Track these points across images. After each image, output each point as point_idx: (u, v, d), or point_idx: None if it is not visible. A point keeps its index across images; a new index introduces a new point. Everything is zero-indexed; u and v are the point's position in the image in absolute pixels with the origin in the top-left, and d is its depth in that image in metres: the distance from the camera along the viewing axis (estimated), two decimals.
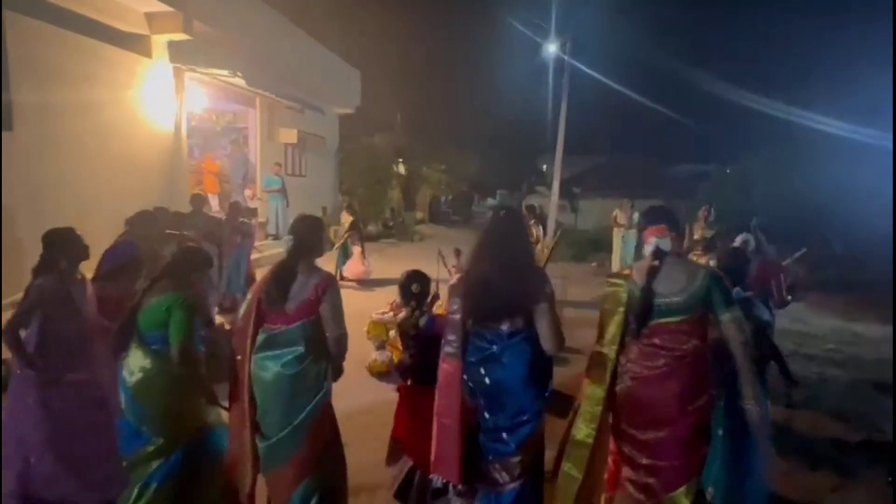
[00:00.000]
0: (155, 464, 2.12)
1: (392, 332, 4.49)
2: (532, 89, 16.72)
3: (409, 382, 2.59)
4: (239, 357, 2.24)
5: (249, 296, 2.33)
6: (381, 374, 4.24)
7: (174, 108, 7.95)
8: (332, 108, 14.16)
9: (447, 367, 2.12)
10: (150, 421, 2.14)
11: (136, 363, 2.15)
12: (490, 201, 34.23)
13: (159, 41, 7.55)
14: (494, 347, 2.08)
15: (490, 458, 2.10)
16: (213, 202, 10.12)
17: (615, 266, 8.92)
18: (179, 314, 2.14)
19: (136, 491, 2.13)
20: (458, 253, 7.44)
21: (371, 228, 14.99)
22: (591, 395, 2.16)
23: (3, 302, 5.49)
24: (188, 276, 2.33)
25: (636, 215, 8.41)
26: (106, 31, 6.69)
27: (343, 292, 2.35)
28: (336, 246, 8.22)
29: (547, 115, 16.21)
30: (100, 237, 6.36)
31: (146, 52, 7.39)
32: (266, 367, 2.16)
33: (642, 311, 2.08)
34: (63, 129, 6.15)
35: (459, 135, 23.42)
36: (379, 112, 17.91)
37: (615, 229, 8.96)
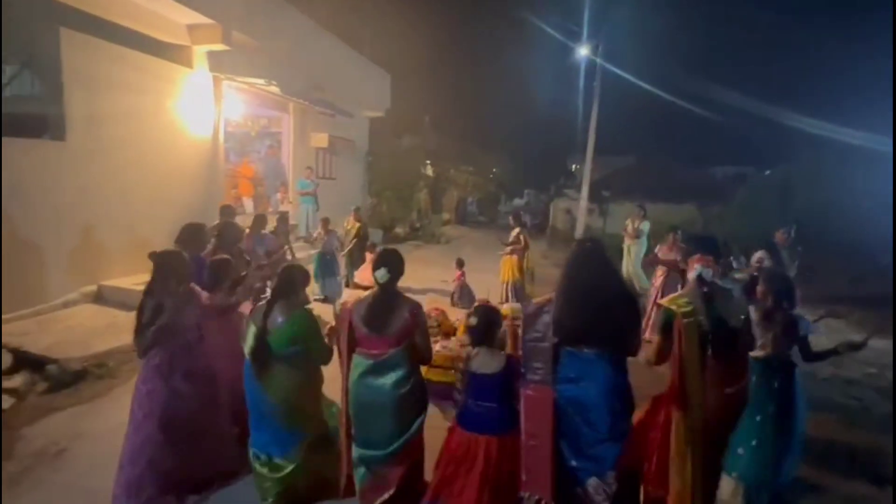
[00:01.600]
0: (302, 454, 2.48)
1: None
2: (562, 90, 16.57)
3: (451, 423, 2.49)
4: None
5: (337, 323, 2.58)
6: None
7: (213, 115, 8.24)
8: (362, 112, 14.36)
9: (533, 393, 2.26)
10: (294, 420, 2.44)
11: (276, 378, 2.41)
12: (517, 201, 34.01)
13: (200, 52, 7.84)
14: (584, 368, 2.23)
15: (585, 478, 2.23)
16: (248, 205, 10.46)
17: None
18: (312, 331, 2.45)
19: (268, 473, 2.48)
20: (460, 263, 7.47)
21: (398, 230, 15.17)
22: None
23: (65, 299, 5.88)
24: (297, 293, 2.54)
25: (646, 224, 8.15)
26: (150, 43, 7.01)
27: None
28: (343, 252, 7.98)
29: (577, 117, 16.02)
30: (146, 239, 6.74)
31: (187, 63, 7.69)
32: (376, 389, 2.42)
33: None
34: (111, 137, 6.49)
35: (488, 136, 23.40)
36: (408, 114, 18.08)
37: (626, 238, 8.34)
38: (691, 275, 2.66)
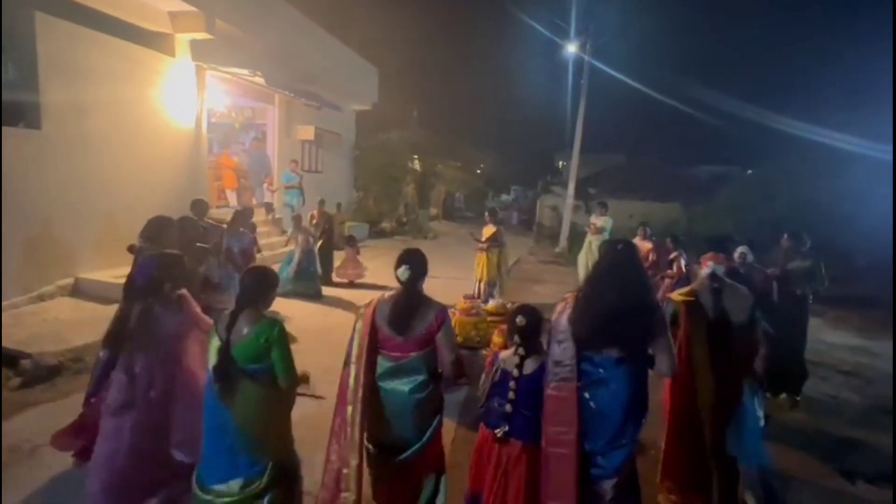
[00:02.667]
0: (266, 483, 2.13)
1: None
2: (550, 87, 16.62)
3: (500, 431, 2.24)
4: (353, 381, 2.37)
5: (360, 324, 2.41)
6: None
7: (196, 105, 8.07)
8: (349, 105, 14.22)
9: (557, 392, 2.16)
10: (259, 446, 2.12)
11: (240, 397, 2.08)
12: (504, 197, 34.07)
13: (182, 40, 7.67)
14: (602, 372, 2.16)
15: (595, 481, 2.17)
16: (232, 197, 10.30)
17: (580, 273, 8.53)
18: (280, 344, 2.11)
19: None
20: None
21: (385, 225, 15.09)
22: None
23: (41, 292, 5.71)
24: (266, 299, 2.25)
25: (608, 221, 8.37)
26: (131, 30, 6.82)
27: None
28: (316, 248, 7.53)
29: (565, 114, 16.06)
30: (124, 230, 6.58)
31: (170, 51, 7.51)
32: (395, 392, 2.34)
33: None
34: (90, 126, 6.32)
35: (475, 132, 23.40)
36: (395, 109, 17.96)
37: (589, 234, 8.50)
38: (704, 271, 2.88)
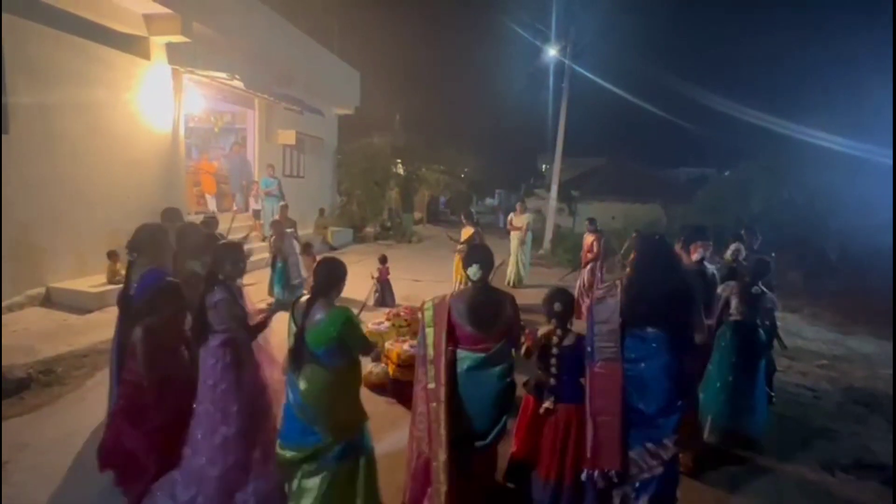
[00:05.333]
0: (322, 458, 2.33)
1: (387, 344, 4.48)
2: (532, 91, 16.69)
3: (547, 402, 2.62)
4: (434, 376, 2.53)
5: (431, 328, 2.57)
6: (375, 386, 4.24)
7: (172, 109, 7.91)
8: (331, 109, 14.12)
9: (603, 370, 2.50)
10: (320, 422, 2.31)
11: (306, 374, 2.31)
12: (489, 201, 34.19)
13: (158, 43, 7.51)
14: (654, 345, 2.51)
15: (644, 445, 2.49)
16: (212, 203, 10.11)
17: (510, 270, 8.82)
18: (354, 329, 2.33)
19: (305, 482, 2.34)
20: (383, 259, 7.34)
21: (369, 229, 14.99)
22: None
23: (10, 302, 5.50)
24: (337, 289, 2.42)
25: (524, 217, 8.81)
26: (103, 32, 6.66)
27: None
28: (269, 261, 6.93)
29: (547, 117, 16.20)
30: (99, 238, 6.41)
31: (144, 54, 7.35)
32: (484, 383, 2.51)
33: None
34: (60, 131, 6.14)
35: (458, 135, 23.42)
36: (378, 113, 17.89)
37: (511, 233, 8.87)
38: (695, 257, 3.42)
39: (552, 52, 14.20)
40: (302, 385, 2.30)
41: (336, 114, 14.67)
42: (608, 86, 15.35)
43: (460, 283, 7.04)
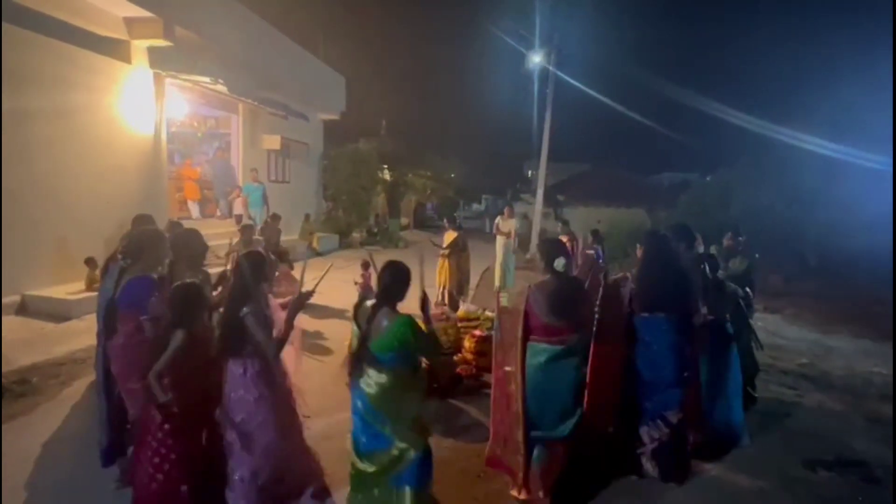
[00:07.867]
0: (399, 466, 2.29)
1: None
2: (518, 97, 16.81)
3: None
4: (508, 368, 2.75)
5: (508, 322, 2.77)
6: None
7: (154, 114, 7.80)
8: (316, 114, 14.06)
9: (609, 349, 2.87)
10: (391, 425, 2.30)
11: (372, 379, 2.29)
12: (476, 206, 34.32)
13: (139, 47, 7.41)
14: (663, 327, 2.94)
15: (652, 416, 2.96)
16: (195, 209, 9.96)
17: (497, 274, 8.89)
18: (422, 334, 2.30)
19: (385, 491, 2.31)
20: (366, 265, 7.25)
21: (355, 235, 14.91)
22: None
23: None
24: (402, 294, 2.38)
25: (511, 222, 8.92)
26: (83, 35, 6.55)
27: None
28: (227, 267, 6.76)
29: (532, 123, 16.34)
30: (77, 244, 6.25)
31: (125, 58, 7.24)
32: (561, 376, 2.66)
33: None
34: (38, 135, 6.00)
35: (445, 141, 23.58)
36: (364, 118, 17.93)
37: (498, 237, 8.96)
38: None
39: (537, 58, 14.36)
40: (370, 390, 2.28)
41: (321, 119, 14.61)
42: (592, 92, 15.56)
43: (444, 287, 7.04)
